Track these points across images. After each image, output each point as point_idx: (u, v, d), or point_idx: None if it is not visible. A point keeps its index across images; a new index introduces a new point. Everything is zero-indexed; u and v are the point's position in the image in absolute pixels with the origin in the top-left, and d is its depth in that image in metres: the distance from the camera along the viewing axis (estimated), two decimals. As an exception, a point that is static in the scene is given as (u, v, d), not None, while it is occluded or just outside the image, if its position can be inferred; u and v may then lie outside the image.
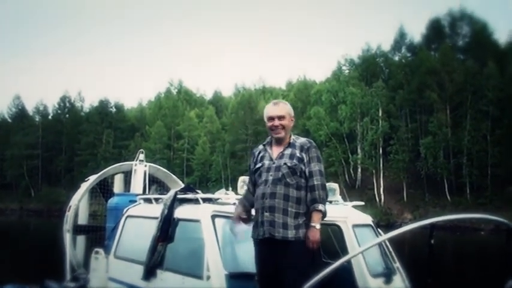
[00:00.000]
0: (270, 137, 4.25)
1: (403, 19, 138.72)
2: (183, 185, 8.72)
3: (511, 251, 3.79)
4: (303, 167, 4.01)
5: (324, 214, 3.94)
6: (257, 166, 4.17)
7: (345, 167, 59.49)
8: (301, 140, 4.17)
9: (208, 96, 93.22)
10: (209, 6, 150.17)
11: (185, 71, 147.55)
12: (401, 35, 67.27)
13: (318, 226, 3.88)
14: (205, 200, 5.03)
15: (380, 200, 54.52)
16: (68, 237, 7.60)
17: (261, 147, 4.30)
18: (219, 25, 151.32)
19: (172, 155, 72.44)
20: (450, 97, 52.77)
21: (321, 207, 3.93)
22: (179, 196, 5.33)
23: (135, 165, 8.21)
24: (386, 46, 67.99)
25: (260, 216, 3.99)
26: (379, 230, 5.73)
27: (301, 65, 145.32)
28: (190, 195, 5.27)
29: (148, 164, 8.34)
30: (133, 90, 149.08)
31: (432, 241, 3.56)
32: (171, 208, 5.27)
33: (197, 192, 5.46)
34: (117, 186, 8.54)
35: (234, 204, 4.78)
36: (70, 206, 7.82)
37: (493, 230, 37.91)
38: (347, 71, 67.90)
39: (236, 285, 4.12)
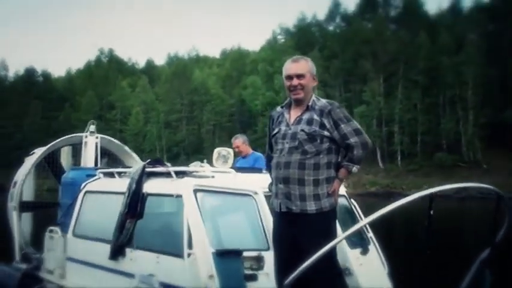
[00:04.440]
0: (289, 99, 3.83)
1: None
2: (137, 158, 8.37)
3: (497, 218, 3.82)
4: (326, 133, 3.58)
5: (350, 173, 3.71)
6: (274, 132, 3.79)
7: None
8: (321, 102, 3.69)
9: (141, 65, 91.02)
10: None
11: (115, 39, 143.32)
12: (336, 5, 68.02)
13: (343, 180, 3.70)
14: (178, 173, 4.71)
15: (315, 167, 55.50)
16: (14, 215, 7.08)
17: (279, 109, 3.87)
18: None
19: (104, 126, 70.43)
20: (383, 67, 54.04)
21: (354, 169, 3.64)
22: (148, 169, 4.99)
23: (86, 137, 7.72)
24: (321, 16, 68.59)
25: (275, 187, 3.69)
26: (352, 200, 5.64)
27: (234, 34, 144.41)
28: (161, 168, 4.94)
29: (100, 135, 7.87)
30: (60, 58, 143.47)
31: (431, 212, 3.45)
32: (139, 182, 4.93)
33: (167, 165, 5.13)
34: (64, 160, 8.03)
35: (213, 177, 4.51)
36: (15, 182, 7.29)
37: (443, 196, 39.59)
38: (282, 40, 67.98)
39: (223, 262, 3.88)
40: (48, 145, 7.68)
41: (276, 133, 3.77)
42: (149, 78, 78.42)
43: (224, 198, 4.41)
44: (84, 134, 7.77)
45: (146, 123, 68.48)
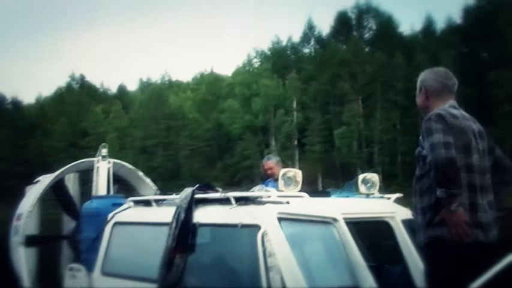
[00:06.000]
0: None
1: (311, 11, 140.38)
2: (151, 183, 7.68)
3: None
4: (424, 152, 3.17)
5: (445, 198, 2.92)
6: None
7: (260, 160, 59.44)
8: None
9: (113, 91, 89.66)
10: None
11: (86, 65, 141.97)
12: (310, 28, 68.28)
13: (446, 211, 2.93)
14: (238, 199, 4.04)
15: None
16: (21, 250, 6.30)
17: None
18: (121, 18, 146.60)
19: (78, 153, 68.83)
20: (361, 88, 54.18)
21: (439, 193, 2.93)
22: (198, 196, 4.31)
23: (98, 162, 7.01)
24: (296, 38, 68.74)
25: None
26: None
27: (206, 59, 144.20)
28: (216, 194, 4.26)
29: (112, 160, 7.17)
30: (30, 85, 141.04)
31: None
32: (189, 211, 4.24)
33: (218, 190, 4.46)
34: (71, 188, 7.31)
35: (288, 203, 3.84)
36: (20, 214, 6.51)
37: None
38: (258, 63, 67.92)
39: None
40: (56, 172, 6.94)
41: None
42: (122, 104, 77.27)
43: (305, 228, 3.74)
44: (95, 159, 7.07)
45: (121, 149, 67.15)
